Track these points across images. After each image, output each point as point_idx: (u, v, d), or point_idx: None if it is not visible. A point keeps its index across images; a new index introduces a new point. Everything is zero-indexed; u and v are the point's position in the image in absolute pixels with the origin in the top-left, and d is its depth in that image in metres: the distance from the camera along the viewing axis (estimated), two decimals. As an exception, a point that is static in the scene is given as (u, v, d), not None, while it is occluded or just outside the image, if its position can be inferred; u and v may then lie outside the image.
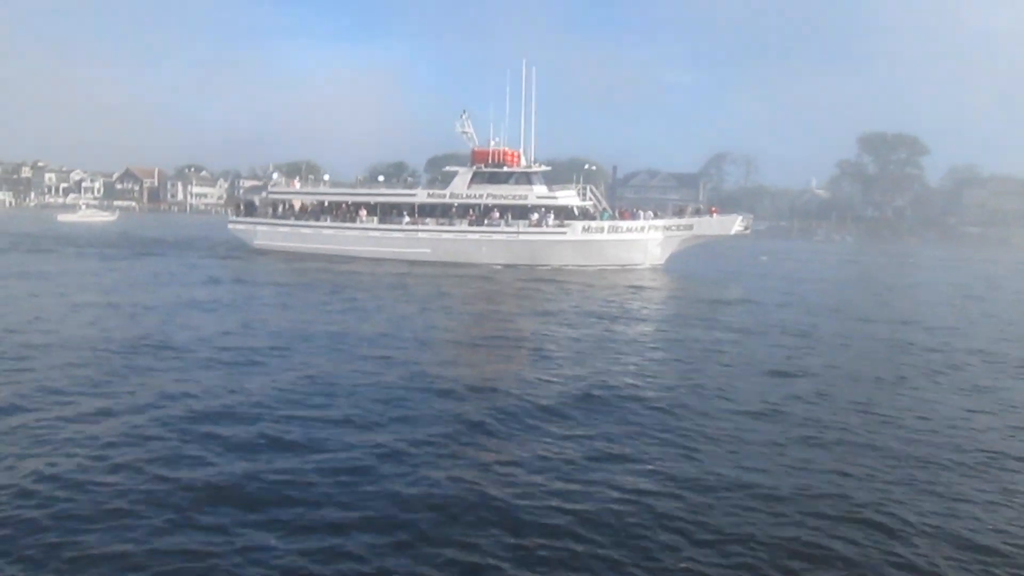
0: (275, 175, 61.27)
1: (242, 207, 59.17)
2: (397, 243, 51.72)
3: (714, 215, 50.52)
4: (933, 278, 55.79)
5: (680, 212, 52.31)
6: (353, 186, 62.13)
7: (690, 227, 49.64)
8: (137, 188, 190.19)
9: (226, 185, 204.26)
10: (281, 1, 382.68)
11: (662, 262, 50.13)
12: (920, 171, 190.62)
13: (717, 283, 45.38)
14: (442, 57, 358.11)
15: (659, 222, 50.15)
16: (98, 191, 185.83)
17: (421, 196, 52.81)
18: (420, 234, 51.48)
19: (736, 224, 49.22)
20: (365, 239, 52.38)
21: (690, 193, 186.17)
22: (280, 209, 56.40)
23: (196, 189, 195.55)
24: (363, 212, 53.13)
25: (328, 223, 53.62)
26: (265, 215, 57.19)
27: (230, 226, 57.37)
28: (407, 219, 52.13)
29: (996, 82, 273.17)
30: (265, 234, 54.81)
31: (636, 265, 49.26)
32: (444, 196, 52.10)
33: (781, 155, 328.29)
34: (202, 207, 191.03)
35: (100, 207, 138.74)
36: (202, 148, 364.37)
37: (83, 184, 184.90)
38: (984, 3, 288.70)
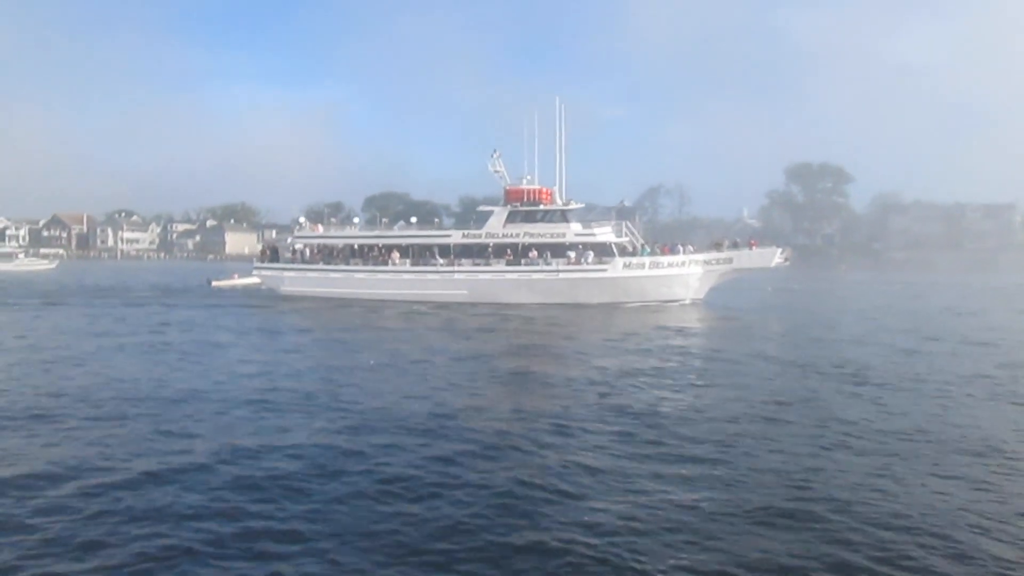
0: (301, 219, 58.99)
1: (267, 252, 57.15)
2: (433, 285, 50.86)
3: (753, 248, 51.34)
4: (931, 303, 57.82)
5: (717, 246, 52.88)
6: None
7: (730, 260, 50.25)
8: (65, 235, 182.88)
9: (158, 230, 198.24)
10: (213, 45, 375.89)
11: (701, 296, 50.59)
12: (846, 199, 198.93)
13: (762, 317, 46.15)
14: (376, 99, 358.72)
15: (699, 256, 50.63)
16: (23, 239, 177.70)
17: (456, 237, 52.13)
18: (457, 275, 50.75)
19: (776, 256, 50.15)
20: (399, 282, 51.35)
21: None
22: (308, 254, 54.70)
23: (127, 234, 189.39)
24: (396, 255, 52.12)
25: (360, 267, 52.39)
26: (288, 260, 55.51)
27: (255, 272, 55.41)
28: (442, 260, 51.37)
29: (915, 112, 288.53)
30: (293, 280, 53.10)
31: (678, 300, 49.56)
32: (480, 236, 51.56)
33: (713, 186, 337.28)
34: (134, 253, 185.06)
35: (27, 255, 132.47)
36: (132, 193, 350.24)
37: (7, 232, 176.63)
38: (902, 39, 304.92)
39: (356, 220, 57.41)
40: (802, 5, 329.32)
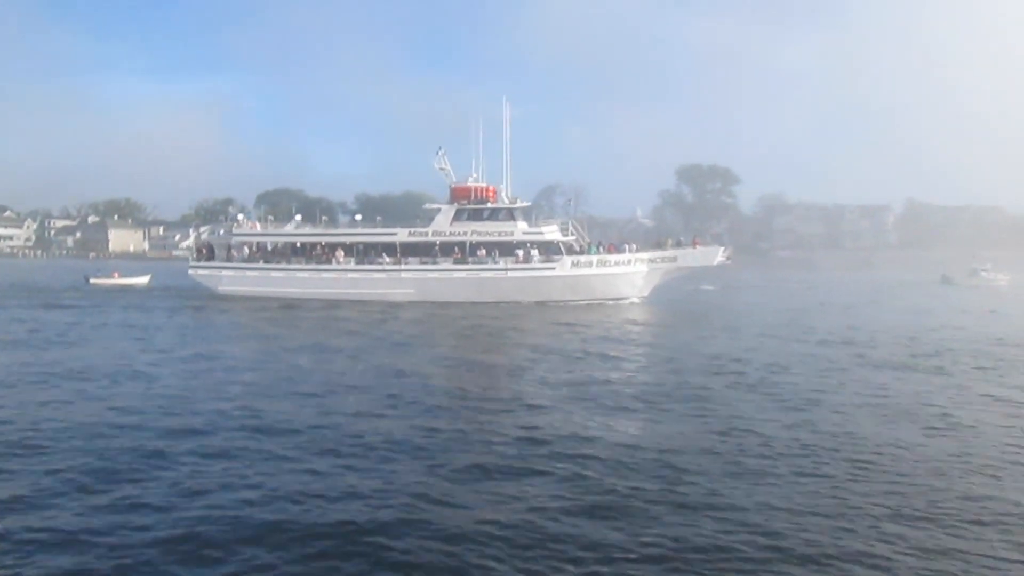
0: (240, 216, 56.54)
1: (203, 251, 54.67)
2: (379, 284, 49.97)
3: (696, 247, 52.48)
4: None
5: (661, 244, 53.86)
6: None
7: (674, 259, 51.30)
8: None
9: (35, 226, 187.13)
10: (94, 33, 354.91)
11: (646, 294, 51.47)
12: (734, 199, 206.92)
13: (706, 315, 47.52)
14: (268, 93, 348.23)
15: (644, 255, 51.48)
16: None
17: (402, 235, 51.27)
18: (403, 274, 50.07)
19: (719, 255, 51.51)
20: (344, 281, 50.24)
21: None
22: (247, 251, 52.75)
23: (0, 231, 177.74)
24: (340, 253, 50.97)
25: (302, 265, 50.99)
26: (224, 259, 53.38)
27: (191, 271, 53.03)
28: (387, 259, 50.56)
29: (799, 116, 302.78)
30: (231, 279, 51.15)
31: (624, 298, 50.29)
32: (426, 234, 50.97)
33: (607, 186, 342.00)
34: (7, 250, 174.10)
35: None
36: (5, 187, 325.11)
37: None
38: (786, 47, 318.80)
39: (298, 217, 55.49)
40: (692, 12, 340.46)
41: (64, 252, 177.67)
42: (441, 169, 52.32)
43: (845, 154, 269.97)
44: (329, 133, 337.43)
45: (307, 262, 51.36)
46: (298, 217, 55.84)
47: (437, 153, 52.40)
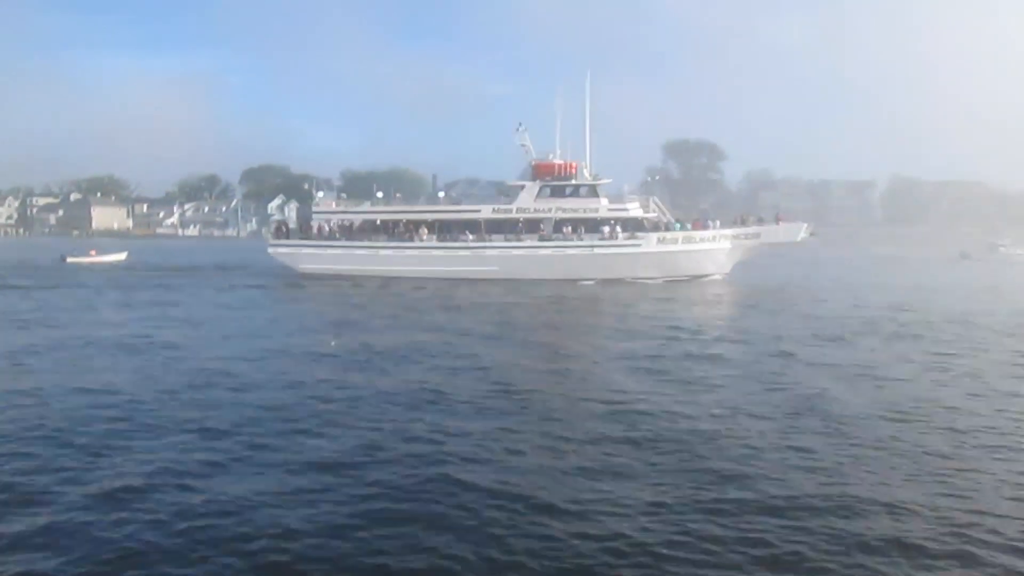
0: (320, 194, 55.24)
1: (282, 229, 53.51)
2: (462, 261, 49.40)
3: (780, 223, 52.39)
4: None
5: (742, 221, 53.71)
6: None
7: (757, 235, 51.22)
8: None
9: (16, 204, 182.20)
10: (76, 7, 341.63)
11: (727, 271, 51.44)
12: (720, 176, 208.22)
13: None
14: (253, 69, 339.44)
15: (727, 231, 51.40)
16: None
17: (486, 212, 50.68)
18: (488, 252, 49.50)
19: (801, 231, 51.58)
20: (427, 259, 49.61)
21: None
22: (327, 229, 51.75)
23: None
24: (423, 230, 50.20)
25: (385, 243, 50.16)
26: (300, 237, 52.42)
27: (270, 250, 51.89)
28: (471, 236, 49.93)
29: (786, 91, 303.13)
30: (312, 257, 50.16)
31: (707, 275, 50.21)
32: (511, 211, 50.45)
33: (594, 162, 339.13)
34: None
35: None
36: None
37: None
38: (774, 21, 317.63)
39: (380, 195, 54.54)
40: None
41: (47, 230, 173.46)
42: (522, 145, 51.83)
43: (831, 130, 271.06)
44: (313, 109, 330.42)
45: (389, 240, 50.56)
46: (379, 194, 54.95)
47: (517, 129, 51.98)
